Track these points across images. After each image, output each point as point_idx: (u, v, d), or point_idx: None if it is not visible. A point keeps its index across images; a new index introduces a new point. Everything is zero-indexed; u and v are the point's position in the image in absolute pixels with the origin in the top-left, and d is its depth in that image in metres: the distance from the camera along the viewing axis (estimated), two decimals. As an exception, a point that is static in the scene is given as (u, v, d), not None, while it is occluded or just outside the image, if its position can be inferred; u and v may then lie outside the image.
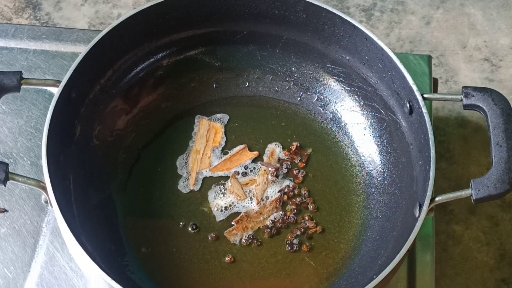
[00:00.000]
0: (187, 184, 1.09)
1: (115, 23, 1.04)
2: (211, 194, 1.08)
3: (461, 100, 0.99)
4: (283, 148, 1.12)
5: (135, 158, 1.10)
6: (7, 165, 0.93)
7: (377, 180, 1.08)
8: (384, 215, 1.05)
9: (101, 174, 1.07)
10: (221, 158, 1.11)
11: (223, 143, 1.12)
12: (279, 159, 1.11)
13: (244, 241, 1.04)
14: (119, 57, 1.08)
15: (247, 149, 1.12)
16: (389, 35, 1.38)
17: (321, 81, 1.14)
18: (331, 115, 1.14)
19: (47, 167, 0.93)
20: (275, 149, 1.12)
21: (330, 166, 1.11)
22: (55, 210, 0.92)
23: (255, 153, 1.11)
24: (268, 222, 1.05)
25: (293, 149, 1.11)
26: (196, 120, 1.14)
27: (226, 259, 1.03)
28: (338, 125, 1.13)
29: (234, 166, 1.10)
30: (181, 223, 1.05)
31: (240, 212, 1.06)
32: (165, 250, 1.03)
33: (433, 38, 1.38)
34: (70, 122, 1.02)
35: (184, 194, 1.08)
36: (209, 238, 1.04)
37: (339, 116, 1.13)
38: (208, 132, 1.12)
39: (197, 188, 1.08)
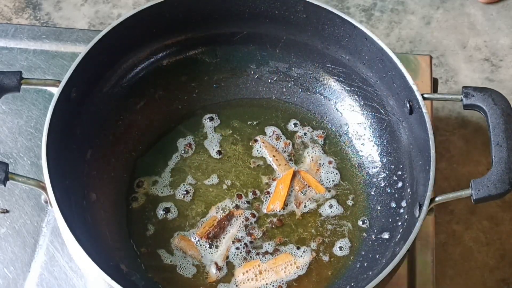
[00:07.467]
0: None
1: (115, 23, 1.04)
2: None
3: (461, 100, 0.99)
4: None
5: (134, 159, 1.10)
6: (7, 165, 0.93)
7: (377, 180, 1.08)
8: (384, 215, 1.05)
9: (101, 174, 1.07)
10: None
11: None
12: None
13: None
14: (119, 57, 1.08)
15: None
16: (389, 35, 1.38)
17: (321, 81, 1.14)
18: (331, 115, 1.14)
19: (47, 167, 0.93)
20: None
21: (330, 166, 1.11)
22: (55, 210, 0.92)
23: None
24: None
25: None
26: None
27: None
28: (338, 125, 1.13)
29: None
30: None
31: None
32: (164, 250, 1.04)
33: (433, 38, 1.38)
34: (70, 122, 1.02)
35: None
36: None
37: (339, 116, 1.13)
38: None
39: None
